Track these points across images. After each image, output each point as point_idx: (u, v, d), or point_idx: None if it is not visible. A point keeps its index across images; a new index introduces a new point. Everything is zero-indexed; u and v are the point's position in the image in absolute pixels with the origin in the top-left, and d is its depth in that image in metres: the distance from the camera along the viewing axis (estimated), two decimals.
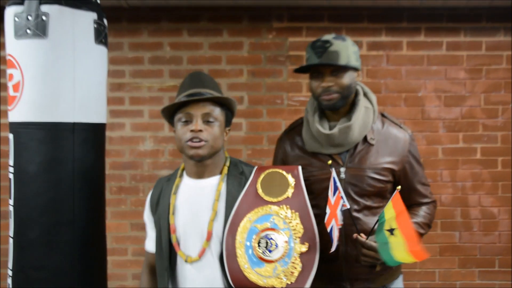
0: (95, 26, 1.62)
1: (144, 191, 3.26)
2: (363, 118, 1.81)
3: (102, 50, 1.66)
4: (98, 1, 1.67)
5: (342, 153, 1.81)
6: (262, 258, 1.53)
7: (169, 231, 1.63)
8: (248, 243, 1.55)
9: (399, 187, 1.55)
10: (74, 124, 1.55)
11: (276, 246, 1.53)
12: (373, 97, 1.89)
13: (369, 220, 1.75)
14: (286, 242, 1.53)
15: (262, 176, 1.64)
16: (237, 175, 1.66)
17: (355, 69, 1.78)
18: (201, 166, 1.63)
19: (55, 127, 1.52)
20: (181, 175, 1.71)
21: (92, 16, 1.60)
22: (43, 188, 1.50)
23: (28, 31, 1.52)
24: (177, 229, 1.63)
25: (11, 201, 1.58)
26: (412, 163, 1.85)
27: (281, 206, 1.58)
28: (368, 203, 1.78)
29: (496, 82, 3.22)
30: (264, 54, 3.24)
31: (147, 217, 1.77)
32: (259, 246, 1.53)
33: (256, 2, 3.04)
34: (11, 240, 1.57)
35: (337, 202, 1.59)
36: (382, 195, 1.80)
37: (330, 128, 1.80)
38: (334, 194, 1.60)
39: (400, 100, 3.23)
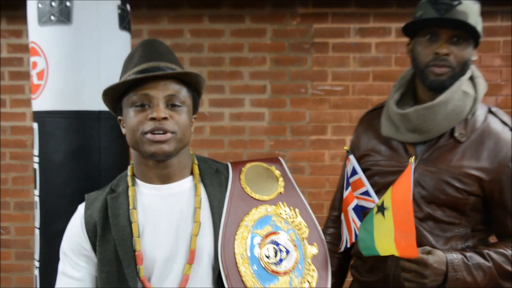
0: (119, 11, 1.64)
1: None
2: (456, 104, 1.49)
3: (126, 36, 1.69)
4: None
5: (418, 145, 1.52)
6: (274, 271, 1.24)
7: (133, 262, 1.21)
8: (252, 256, 1.24)
9: (413, 158, 1.29)
10: (99, 112, 1.58)
11: (287, 252, 1.26)
12: (481, 83, 1.57)
13: (432, 236, 1.46)
14: (295, 246, 1.28)
15: (244, 171, 1.36)
16: (212, 173, 1.34)
17: (475, 44, 1.50)
18: (165, 167, 1.25)
19: (80, 115, 1.55)
20: (133, 183, 1.29)
21: (115, 2, 1.62)
22: (70, 178, 1.53)
23: (52, 17, 1.55)
24: (144, 257, 1.22)
25: (36, 192, 1.61)
26: None
27: (277, 204, 1.33)
28: (437, 214, 1.46)
29: None
30: (288, 41, 3.24)
31: (75, 249, 1.27)
32: (267, 256, 1.25)
33: None
34: (37, 231, 1.60)
35: (350, 198, 1.41)
36: (460, 210, 1.47)
37: None
38: (347, 186, 1.42)
39: None
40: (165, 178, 1.27)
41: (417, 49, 1.50)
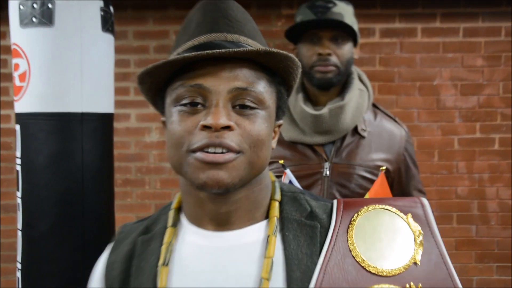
0: (102, 13, 1.63)
1: (150, 184, 3.29)
2: (358, 101, 1.57)
3: (109, 38, 1.68)
4: None
5: (326, 145, 1.55)
6: None
7: None
8: None
9: (384, 167, 1.36)
10: (82, 114, 1.57)
11: None
12: (367, 80, 1.68)
13: None
14: None
15: (356, 220, 0.80)
16: (301, 220, 0.82)
17: (355, 42, 1.58)
18: (223, 204, 0.81)
19: (63, 117, 1.54)
20: (176, 223, 0.87)
21: (98, 3, 1.62)
22: (53, 180, 1.52)
23: (34, 19, 1.54)
24: None
25: (18, 193, 1.60)
26: (408, 164, 1.61)
27: (405, 286, 0.76)
28: None
29: None
30: (273, 42, 3.25)
31: None
32: None
33: None
34: (19, 233, 1.59)
35: None
36: None
37: None
38: None
39: (415, 89, 3.23)
40: (222, 222, 0.81)
41: (302, 52, 1.58)
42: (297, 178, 1.49)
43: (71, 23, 1.56)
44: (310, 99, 1.60)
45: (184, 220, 0.86)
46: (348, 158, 1.54)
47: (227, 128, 0.75)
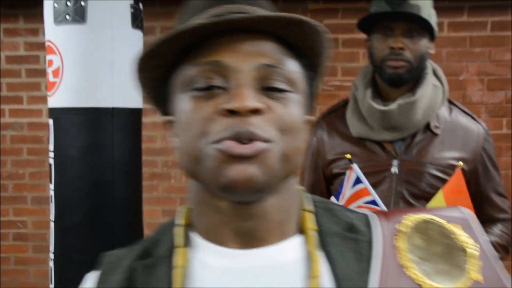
0: (132, 10, 1.67)
1: (176, 178, 3.34)
2: (430, 97, 1.49)
3: (138, 35, 1.72)
4: None
5: (395, 142, 1.49)
6: None
7: None
8: None
9: (461, 163, 1.29)
10: (113, 109, 1.61)
11: None
12: (443, 76, 1.59)
13: None
14: None
15: (405, 234, 0.68)
16: (343, 233, 0.68)
17: (432, 36, 1.50)
18: (252, 215, 0.64)
19: (94, 112, 1.59)
20: (187, 242, 0.68)
21: (129, 1, 1.65)
22: (85, 172, 1.57)
23: (68, 16, 1.58)
24: None
25: (51, 186, 1.65)
26: (486, 165, 1.51)
27: None
28: None
29: None
30: None
31: None
32: None
33: None
34: (52, 224, 1.65)
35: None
36: None
37: None
38: (338, 194, 1.36)
39: None
40: (249, 237, 0.65)
41: (374, 44, 1.49)
42: (364, 175, 1.42)
43: (103, 20, 1.60)
44: (381, 94, 1.52)
45: (197, 238, 0.67)
46: (419, 155, 1.46)
47: (256, 112, 0.58)
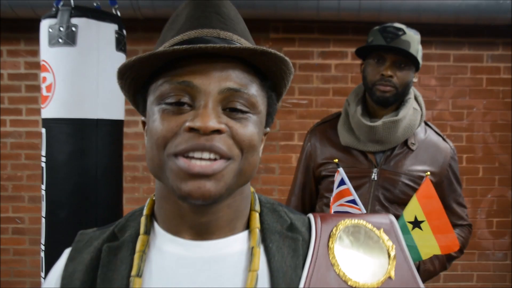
0: (116, 36, 1.65)
1: (155, 180, 3.29)
2: (411, 118, 1.51)
3: (121, 56, 1.70)
4: (119, 14, 1.71)
5: (377, 153, 1.51)
6: None
7: None
8: None
9: (428, 173, 1.32)
10: (97, 120, 1.58)
11: None
12: (422, 102, 1.61)
13: None
14: None
15: (336, 234, 0.68)
16: (283, 232, 0.67)
17: (417, 68, 1.52)
18: (205, 214, 0.63)
19: (81, 122, 1.56)
20: (149, 230, 0.67)
21: (113, 27, 1.64)
22: (72, 174, 1.54)
23: (60, 40, 1.56)
24: None
25: (43, 186, 1.61)
26: (451, 179, 1.54)
27: None
28: (399, 212, 1.45)
29: (461, 89, 3.26)
30: None
31: None
32: None
33: (256, 14, 3.08)
34: (43, 220, 1.60)
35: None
36: None
37: None
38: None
39: None
40: (202, 231, 0.64)
41: (367, 69, 1.52)
42: (348, 178, 1.42)
43: (90, 43, 1.58)
44: (369, 111, 1.55)
45: (157, 227, 0.66)
46: (395, 166, 1.49)
47: (217, 132, 0.57)
